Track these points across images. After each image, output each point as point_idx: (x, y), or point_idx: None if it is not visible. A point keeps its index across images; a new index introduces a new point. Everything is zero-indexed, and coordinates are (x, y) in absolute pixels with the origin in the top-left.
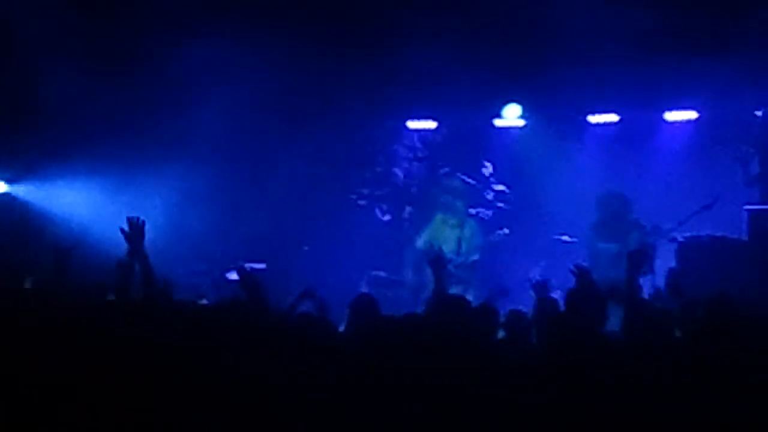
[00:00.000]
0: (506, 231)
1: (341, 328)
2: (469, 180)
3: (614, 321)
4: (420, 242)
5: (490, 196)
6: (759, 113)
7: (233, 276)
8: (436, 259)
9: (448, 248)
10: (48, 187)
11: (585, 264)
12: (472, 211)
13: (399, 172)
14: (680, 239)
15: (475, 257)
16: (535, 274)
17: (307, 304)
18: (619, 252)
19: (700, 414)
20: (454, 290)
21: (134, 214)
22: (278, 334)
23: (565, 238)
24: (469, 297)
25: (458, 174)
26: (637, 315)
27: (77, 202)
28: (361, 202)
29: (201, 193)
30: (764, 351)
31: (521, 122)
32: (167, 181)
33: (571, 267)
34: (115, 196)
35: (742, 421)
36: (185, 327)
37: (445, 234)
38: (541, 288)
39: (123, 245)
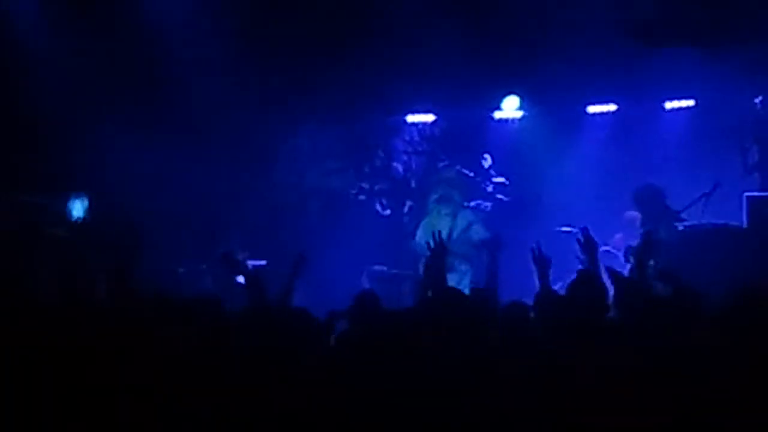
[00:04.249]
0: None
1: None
2: (468, 172)
3: None
4: (416, 236)
5: (489, 188)
6: (758, 101)
7: (241, 279)
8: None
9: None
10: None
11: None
12: (472, 203)
13: (398, 166)
14: (680, 227)
15: (484, 236)
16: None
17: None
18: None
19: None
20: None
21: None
22: (276, 330)
23: (565, 228)
24: (466, 284)
25: (457, 166)
26: (637, 299)
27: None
28: (361, 197)
29: (199, 190)
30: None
31: (520, 114)
32: (161, 176)
33: (579, 236)
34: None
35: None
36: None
37: (439, 225)
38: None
39: None
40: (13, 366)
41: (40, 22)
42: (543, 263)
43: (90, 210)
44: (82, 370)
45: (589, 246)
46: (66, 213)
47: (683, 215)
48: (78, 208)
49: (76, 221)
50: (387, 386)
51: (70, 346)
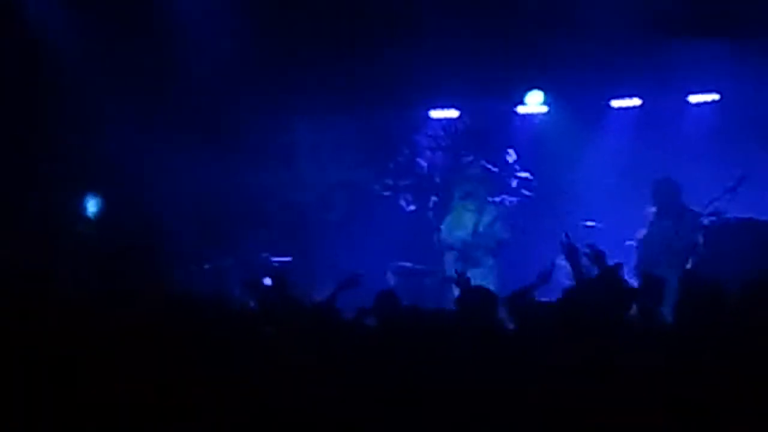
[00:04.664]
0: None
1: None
2: (493, 168)
3: None
4: (441, 231)
5: (514, 183)
6: None
7: (268, 281)
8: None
9: (465, 233)
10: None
11: (601, 248)
12: (497, 198)
13: (422, 162)
14: (706, 222)
15: (505, 236)
16: (561, 260)
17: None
18: (669, 227)
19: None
20: (472, 272)
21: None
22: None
23: (590, 223)
24: (491, 279)
25: (481, 161)
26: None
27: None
28: (385, 193)
29: (224, 185)
30: None
31: (544, 108)
32: (187, 172)
33: (586, 249)
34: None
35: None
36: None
37: (464, 220)
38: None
39: None
40: (41, 363)
41: (60, 25)
42: (573, 254)
43: (106, 208)
44: (107, 365)
45: (570, 253)
46: (85, 211)
47: (708, 210)
48: (94, 206)
49: (94, 219)
50: (410, 383)
51: (96, 340)
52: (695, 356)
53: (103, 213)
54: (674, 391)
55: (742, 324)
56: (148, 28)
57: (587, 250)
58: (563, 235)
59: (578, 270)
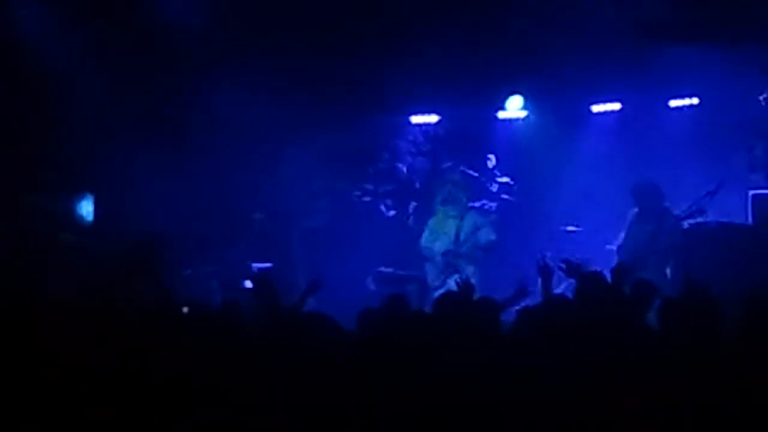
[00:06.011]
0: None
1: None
2: (473, 173)
3: None
4: (423, 238)
5: (494, 188)
6: (762, 98)
7: (248, 284)
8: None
9: (447, 240)
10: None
11: (575, 259)
12: (477, 203)
13: (402, 167)
14: (686, 225)
15: (492, 237)
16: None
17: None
18: (653, 230)
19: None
20: (452, 280)
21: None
22: (286, 334)
23: (571, 228)
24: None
25: (461, 167)
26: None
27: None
28: (366, 199)
29: (202, 191)
30: None
31: (524, 113)
32: (167, 179)
33: (560, 264)
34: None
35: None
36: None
37: (446, 226)
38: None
39: None
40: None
41: (61, 32)
42: (547, 274)
43: (97, 213)
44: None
45: (544, 275)
46: (75, 217)
47: (686, 214)
48: (87, 212)
49: (85, 225)
50: (401, 388)
51: (88, 348)
52: (689, 363)
53: (86, 220)
54: (668, 400)
55: (741, 334)
56: (135, 35)
57: (562, 265)
58: (541, 257)
59: (547, 291)
